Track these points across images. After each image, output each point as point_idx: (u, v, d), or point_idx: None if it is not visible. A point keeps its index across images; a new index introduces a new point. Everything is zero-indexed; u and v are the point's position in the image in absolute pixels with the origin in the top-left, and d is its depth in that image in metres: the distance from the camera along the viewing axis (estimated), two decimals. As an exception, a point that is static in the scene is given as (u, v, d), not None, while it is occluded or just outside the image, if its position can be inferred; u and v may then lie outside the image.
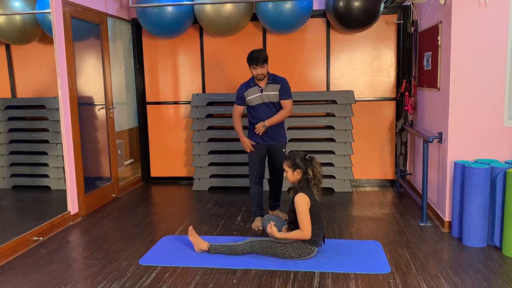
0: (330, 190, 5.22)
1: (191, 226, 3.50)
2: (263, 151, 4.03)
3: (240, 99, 3.99)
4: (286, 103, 3.98)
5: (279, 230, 3.43)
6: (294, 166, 3.27)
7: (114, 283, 2.98)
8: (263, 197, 4.14)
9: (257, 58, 3.82)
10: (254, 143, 4.00)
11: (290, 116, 5.22)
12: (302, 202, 3.19)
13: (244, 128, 4.15)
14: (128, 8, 5.58)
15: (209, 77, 5.68)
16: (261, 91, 3.92)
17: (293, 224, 3.30)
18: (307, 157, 3.30)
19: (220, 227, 4.09)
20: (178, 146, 5.85)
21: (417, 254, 3.37)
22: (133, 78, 5.81)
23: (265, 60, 3.83)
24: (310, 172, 3.24)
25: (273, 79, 3.96)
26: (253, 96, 3.94)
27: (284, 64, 5.49)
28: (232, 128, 5.49)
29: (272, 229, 3.28)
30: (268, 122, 3.92)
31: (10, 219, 4.41)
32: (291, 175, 3.30)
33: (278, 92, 3.93)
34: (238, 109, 4.04)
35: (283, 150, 4.07)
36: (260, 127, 3.93)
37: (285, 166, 3.32)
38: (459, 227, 3.66)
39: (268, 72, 3.94)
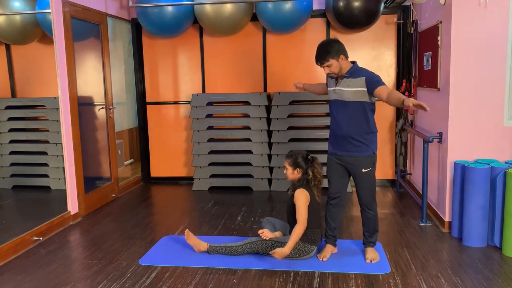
0: (330, 190, 5.22)
1: (187, 230, 3.50)
2: (336, 163, 3.26)
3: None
4: (381, 90, 2.92)
5: (277, 230, 3.45)
6: (295, 165, 3.27)
7: (114, 283, 2.98)
8: (338, 221, 3.38)
9: (316, 57, 3.10)
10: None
11: (289, 116, 5.25)
12: (302, 196, 3.19)
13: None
14: (128, 8, 5.57)
15: (209, 77, 5.68)
16: (336, 84, 3.16)
17: (291, 220, 3.30)
18: (309, 157, 3.29)
19: (220, 227, 4.09)
20: (178, 146, 5.85)
21: (417, 254, 3.37)
22: (133, 78, 5.80)
23: (331, 57, 3.01)
24: (310, 173, 3.24)
25: (353, 72, 3.07)
26: (329, 89, 3.26)
27: (284, 64, 5.49)
28: (232, 128, 5.50)
29: (276, 253, 3.09)
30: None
31: (10, 219, 4.41)
32: (290, 173, 3.30)
33: (357, 89, 3.02)
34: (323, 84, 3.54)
35: (363, 171, 3.12)
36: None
37: (286, 164, 3.32)
38: (459, 227, 3.66)
39: (354, 63, 3.11)
